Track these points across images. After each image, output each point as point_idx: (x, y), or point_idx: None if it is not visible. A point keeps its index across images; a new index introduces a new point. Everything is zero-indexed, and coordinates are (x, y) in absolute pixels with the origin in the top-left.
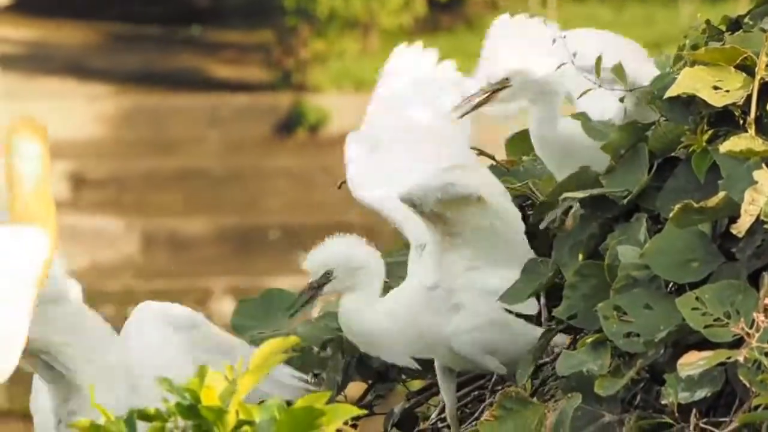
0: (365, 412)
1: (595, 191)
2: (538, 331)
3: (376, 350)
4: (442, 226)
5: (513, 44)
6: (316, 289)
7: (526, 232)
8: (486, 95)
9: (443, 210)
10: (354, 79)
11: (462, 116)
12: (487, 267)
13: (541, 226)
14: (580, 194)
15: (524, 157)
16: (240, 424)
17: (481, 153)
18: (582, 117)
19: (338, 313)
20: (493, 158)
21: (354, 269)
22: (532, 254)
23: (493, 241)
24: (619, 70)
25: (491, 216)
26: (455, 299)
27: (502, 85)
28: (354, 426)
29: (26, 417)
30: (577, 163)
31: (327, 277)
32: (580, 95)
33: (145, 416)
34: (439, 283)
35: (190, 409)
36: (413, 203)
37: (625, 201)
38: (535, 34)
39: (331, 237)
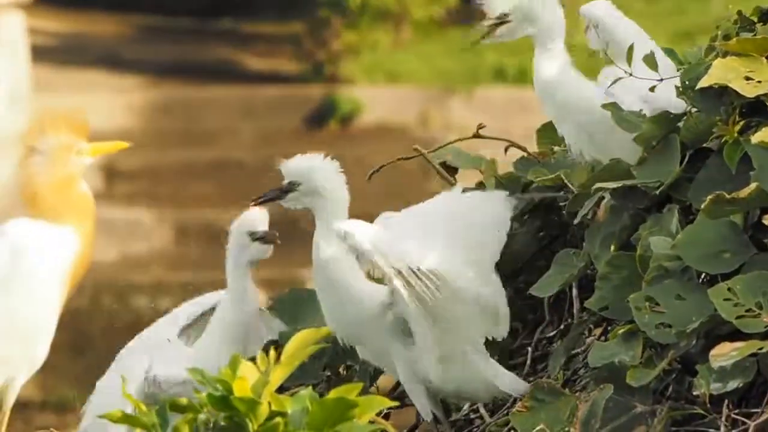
0: (397, 403)
1: (628, 182)
2: (491, 371)
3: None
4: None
5: None
6: (279, 192)
7: (560, 224)
8: (486, 30)
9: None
10: (386, 71)
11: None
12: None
13: (575, 221)
14: (612, 185)
15: (555, 148)
16: (272, 415)
17: (512, 145)
18: (612, 107)
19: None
20: (524, 150)
21: (316, 190)
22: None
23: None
24: (650, 60)
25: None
26: (409, 326)
27: (501, 20)
28: (386, 417)
29: (59, 408)
30: (574, 113)
31: (291, 186)
32: (611, 83)
33: (177, 407)
34: (390, 307)
35: (223, 401)
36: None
37: (657, 192)
38: None
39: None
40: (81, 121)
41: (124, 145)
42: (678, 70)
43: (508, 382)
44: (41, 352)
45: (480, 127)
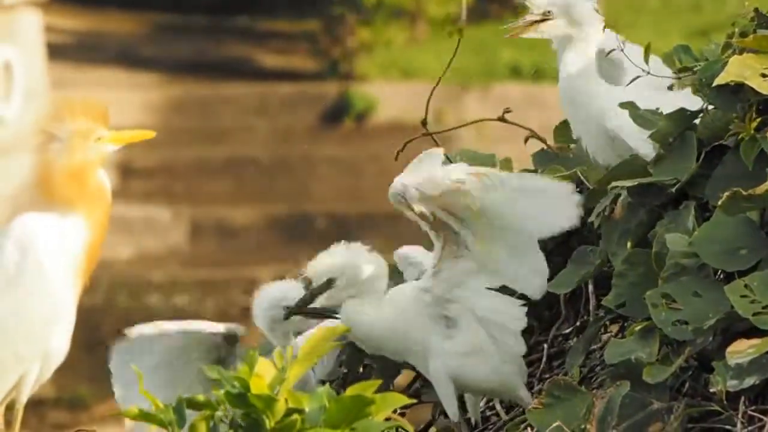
0: (414, 401)
1: (644, 180)
2: (516, 367)
3: (379, 350)
4: (444, 233)
5: None
6: (315, 295)
7: None
8: (528, 25)
9: (430, 207)
10: (401, 68)
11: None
12: (486, 281)
13: (591, 219)
14: (629, 182)
15: (572, 145)
16: (289, 412)
17: (533, 135)
18: (630, 106)
19: (341, 315)
20: (544, 141)
21: (357, 279)
22: (540, 259)
23: (497, 253)
24: (668, 59)
25: (489, 217)
26: (446, 311)
27: (544, 17)
28: (402, 414)
29: (73, 405)
30: (589, 117)
31: (329, 284)
32: (630, 82)
33: (194, 404)
34: (432, 288)
35: (240, 398)
36: (398, 200)
37: (674, 189)
38: None
39: (335, 246)
40: (101, 109)
41: (149, 134)
42: (694, 68)
43: (525, 393)
44: (57, 347)
45: (506, 111)
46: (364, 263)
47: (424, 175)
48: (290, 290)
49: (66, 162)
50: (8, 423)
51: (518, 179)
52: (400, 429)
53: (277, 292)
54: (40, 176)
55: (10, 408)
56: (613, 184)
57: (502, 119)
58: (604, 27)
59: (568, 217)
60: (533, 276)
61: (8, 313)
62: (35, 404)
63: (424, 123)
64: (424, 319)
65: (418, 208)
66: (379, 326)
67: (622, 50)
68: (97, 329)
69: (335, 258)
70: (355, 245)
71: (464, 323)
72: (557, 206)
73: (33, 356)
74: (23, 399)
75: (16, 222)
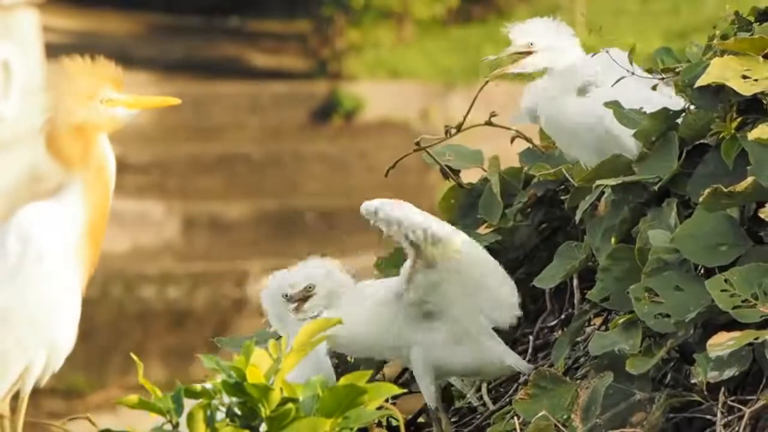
0: (404, 390)
1: (628, 178)
2: (500, 349)
3: (363, 353)
4: (414, 252)
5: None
6: (299, 301)
7: (561, 217)
8: (512, 61)
9: (391, 234)
10: (388, 68)
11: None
12: (458, 290)
13: (576, 218)
14: (613, 181)
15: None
16: (284, 401)
17: (519, 135)
18: (614, 105)
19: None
20: (530, 141)
21: (331, 290)
22: (509, 292)
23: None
24: (653, 59)
25: (457, 267)
26: (423, 309)
27: (527, 50)
28: (392, 404)
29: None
30: (582, 143)
31: (308, 290)
32: (614, 83)
33: (191, 393)
34: (406, 293)
35: (236, 387)
36: (368, 216)
37: (656, 187)
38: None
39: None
40: (112, 71)
41: (173, 101)
42: (676, 69)
43: (515, 360)
44: (62, 336)
45: (492, 115)
46: (339, 275)
47: (397, 213)
48: (290, 277)
49: (66, 120)
50: (13, 410)
51: (472, 267)
52: (391, 418)
53: (279, 280)
54: (45, 136)
55: (15, 397)
56: (598, 182)
57: (489, 123)
58: (590, 31)
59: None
60: (502, 309)
61: (11, 303)
62: (31, 393)
63: (417, 143)
64: (401, 318)
65: (386, 231)
66: (358, 329)
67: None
68: (92, 320)
69: (312, 269)
70: (329, 262)
71: (442, 316)
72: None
73: (37, 345)
74: (28, 388)
75: (18, 213)
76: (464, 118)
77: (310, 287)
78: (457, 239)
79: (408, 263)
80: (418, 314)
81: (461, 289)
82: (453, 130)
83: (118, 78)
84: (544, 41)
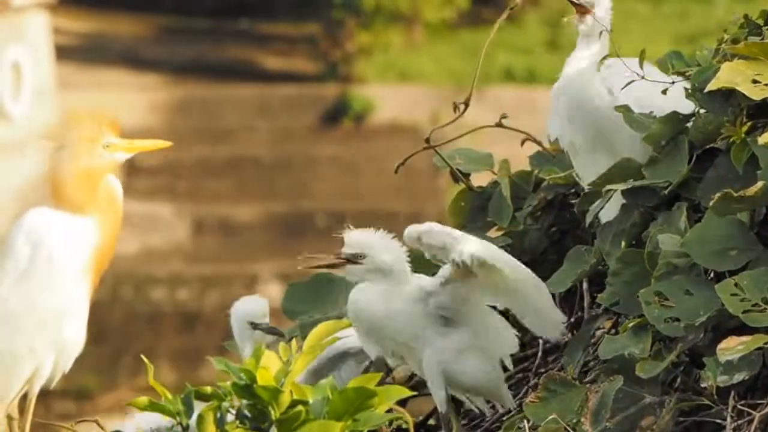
0: (414, 393)
1: (638, 183)
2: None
3: (378, 341)
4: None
5: None
6: (343, 261)
7: (571, 221)
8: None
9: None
10: (398, 71)
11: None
12: (491, 300)
13: (586, 222)
14: (623, 186)
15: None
16: (294, 403)
17: (528, 138)
18: (623, 109)
19: (350, 296)
20: (540, 144)
21: (382, 265)
22: (556, 313)
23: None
24: (662, 64)
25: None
26: (444, 313)
27: (588, 9)
28: (401, 407)
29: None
30: (588, 124)
31: (357, 257)
32: (624, 86)
33: (201, 396)
34: (436, 295)
35: (246, 389)
36: (407, 241)
37: (666, 192)
38: None
39: (377, 229)
40: (110, 116)
41: (164, 144)
42: (686, 73)
43: (507, 393)
44: (71, 339)
45: (503, 117)
46: (392, 251)
47: (441, 240)
48: (257, 306)
49: (72, 167)
50: (21, 411)
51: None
52: (400, 420)
53: (246, 307)
54: (50, 183)
55: (24, 398)
56: (608, 187)
57: (499, 125)
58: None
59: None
60: (548, 327)
61: (21, 305)
62: (42, 394)
63: (427, 140)
64: (423, 317)
65: (428, 254)
66: (381, 315)
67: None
68: (103, 322)
69: (373, 237)
70: (388, 235)
71: (460, 325)
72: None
73: (46, 348)
74: (36, 390)
75: (28, 215)
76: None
77: (361, 255)
78: (505, 265)
79: (447, 269)
80: (437, 316)
81: (497, 303)
82: (462, 106)
83: (116, 123)
84: (601, 3)
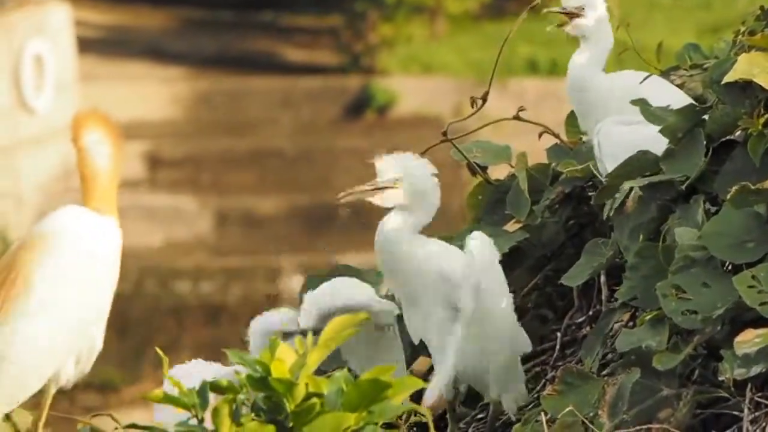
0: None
1: (655, 178)
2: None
3: (398, 287)
4: None
5: None
6: (377, 189)
7: (589, 214)
8: (562, 19)
9: None
10: (421, 62)
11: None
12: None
13: (604, 215)
14: (641, 182)
15: (584, 137)
16: (309, 396)
17: (546, 131)
18: (640, 102)
19: (379, 227)
20: (558, 137)
21: (417, 190)
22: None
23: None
24: (681, 56)
25: None
26: (459, 303)
27: (578, 12)
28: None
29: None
30: (599, 112)
31: (393, 182)
32: (643, 80)
33: (217, 388)
34: (454, 280)
35: (261, 382)
36: None
37: (684, 187)
38: None
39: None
40: (113, 120)
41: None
42: (704, 65)
43: (508, 401)
44: (98, 339)
45: (520, 109)
46: (428, 175)
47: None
48: (282, 318)
49: (105, 166)
50: (37, 405)
51: None
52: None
53: (271, 319)
54: (83, 181)
55: (42, 391)
56: (625, 184)
57: (517, 117)
58: (618, 26)
59: None
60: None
61: (61, 303)
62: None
63: (444, 133)
64: (439, 297)
65: None
66: (407, 261)
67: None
68: (127, 315)
69: (405, 160)
70: (423, 160)
71: (479, 323)
72: None
73: (77, 347)
74: (53, 389)
75: (64, 212)
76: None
77: (397, 180)
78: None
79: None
80: (451, 304)
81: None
82: (479, 101)
83: (118, 128)
84: (593, 7)
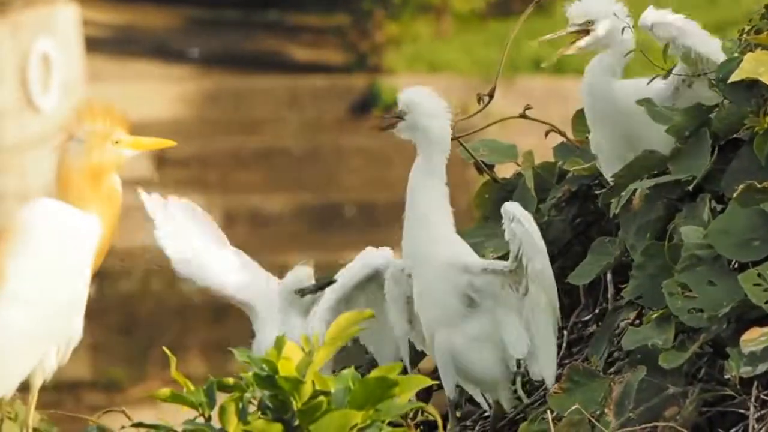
0: (437, 382)
1: (662, 179)
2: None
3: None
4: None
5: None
6: (393, 118)
7: (595, 212)
8: (573, 40)
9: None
10: (427, 61)
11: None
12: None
13: (610, 214)
14: (647, 183)
15: (589, 136)
16: (316, 393)
17: (553, 129)
18: (647, 102)
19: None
20: (564, 135)
21: (612, 29)
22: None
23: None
24: (687, 56)
25: None
26: (473, 294)
27: (586, 27)
28: (426, 397)
29: (109, 388)
30: (615, 125)
31: (401, 114)
32: (650, 80)
33: (224, 386)
34: (473, 273)
35: (268, 380)
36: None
37: (690, 187)
38: None
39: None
40: (120, 112)
41: (170, 143)
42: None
43: (507, 399)
44: (75, 330)
45: (527, 108)
46: (436, 112)
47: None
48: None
49: (83, 162)
50: (47, 404)
51: None
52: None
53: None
54: (58, 176)
55: (27, 383)
56: (632, 186)
57: (523, 116)
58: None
59: None
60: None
61: (36, 293)
62: (72, 386)
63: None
64: (451, 287)
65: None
66: (421, 266)
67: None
68: (132, 314)
69: (413, 91)
70: (437, 95)
71: (483, 311)
72: None
73: (56, 337)
74: (39, 382)
75: (38, 204)
76: (495, 82)
77: (590, 22)
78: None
79: (503, 264)
80: (465, 295)
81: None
82: (486, 98)
83: (125, 119)
84: (603, 18)
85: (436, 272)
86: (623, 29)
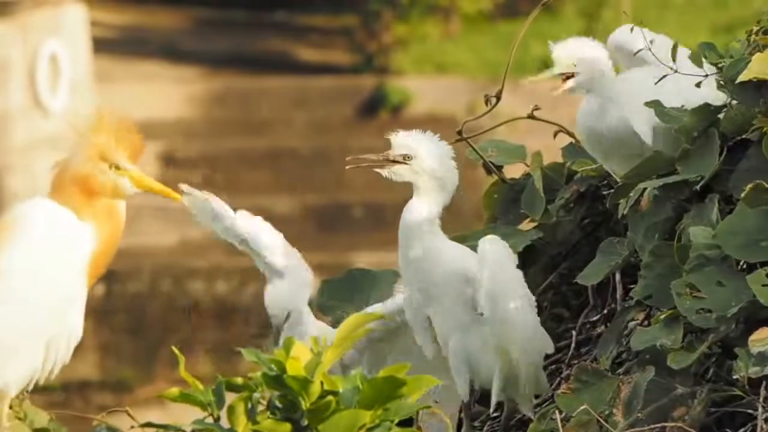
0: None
1: (670, 179)
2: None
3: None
4: None
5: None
6: (390, 162)
7: (604, 213)
8: (560, 83)
9: None
10: (435, 62)
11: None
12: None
13: (619, 214)
14: (655, 183)
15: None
16: (324, 393)
17: (562, 130)
18: (655, 104)
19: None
20: (572, 136)
21: (593, 77)
22: None
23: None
24: (696, 57)
25: None
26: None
27: (569, 71)
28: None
29: (117, 388)
30: (618, 156)
31: (404, 158)
32: (657, 81)
33: (232, 386)
34: (481, 279)
35: (276, 380)
36: None
37: (699, 187)
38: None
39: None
40: (135, 141)
41: (176, 196)
42: (719, 65)
43: (527, 405)
44: (74, 330)
45: (535, 108)
46: (440, 155)
47: None
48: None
49: (73, 170)
50: (50, 404)
51: None
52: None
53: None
54: (52, 176)
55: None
56: (640, 185)
57: (532, 116)
58: (632, 26)
59: None
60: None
61: (32, 291)
62: (81, 387)
63: (459, 132)
64: (461, 298)
65: None
66: (429, 259)
67: (650, 49)
68: (141, 315)
69: (420, 138)
70: (438, 139)
71: (489, 322)
72: None
73: (52, 336)
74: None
75: (34, 203)
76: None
77: (408, 156)
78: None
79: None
80: (473, 301)
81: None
82: (493, 99)
83: (137, 150)
84: (588, 63)
85: (443, 284)
86: (602, 75)
